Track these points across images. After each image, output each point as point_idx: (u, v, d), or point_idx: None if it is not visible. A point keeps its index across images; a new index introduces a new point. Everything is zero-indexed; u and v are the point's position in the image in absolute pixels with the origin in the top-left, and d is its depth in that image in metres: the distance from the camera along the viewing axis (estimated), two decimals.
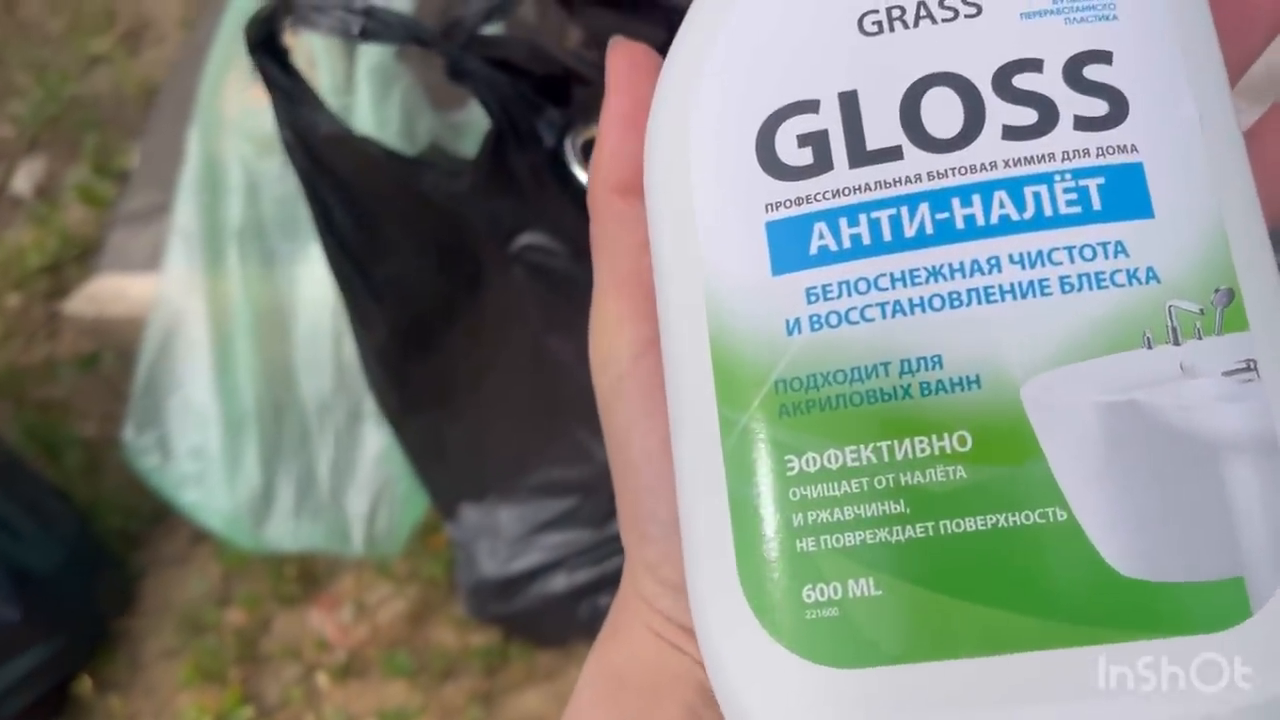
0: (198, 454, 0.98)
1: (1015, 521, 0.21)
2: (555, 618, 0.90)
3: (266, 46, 0.63)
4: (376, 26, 0.59)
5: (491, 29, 0.64)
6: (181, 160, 1.13)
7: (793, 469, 0.23)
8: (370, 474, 0.97)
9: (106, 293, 1.10)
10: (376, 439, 0.96)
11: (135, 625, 1.07)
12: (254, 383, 0.94)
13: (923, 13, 0.24)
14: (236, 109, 0.96)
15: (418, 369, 0.80)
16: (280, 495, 0.97)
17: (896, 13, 0.24)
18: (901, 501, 0.22)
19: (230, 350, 0.95)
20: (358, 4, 0.60)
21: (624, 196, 0.26)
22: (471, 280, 0.74)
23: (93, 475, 1.15)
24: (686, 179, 0.24)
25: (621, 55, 0.26)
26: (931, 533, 0.22)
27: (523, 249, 0.70)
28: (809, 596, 0.22)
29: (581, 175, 0.63)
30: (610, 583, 0.86)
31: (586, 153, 0.64)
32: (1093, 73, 0.23)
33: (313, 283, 0.94)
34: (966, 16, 0.24)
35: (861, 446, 0.22)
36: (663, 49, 0.27)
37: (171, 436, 1.00)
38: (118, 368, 1.20)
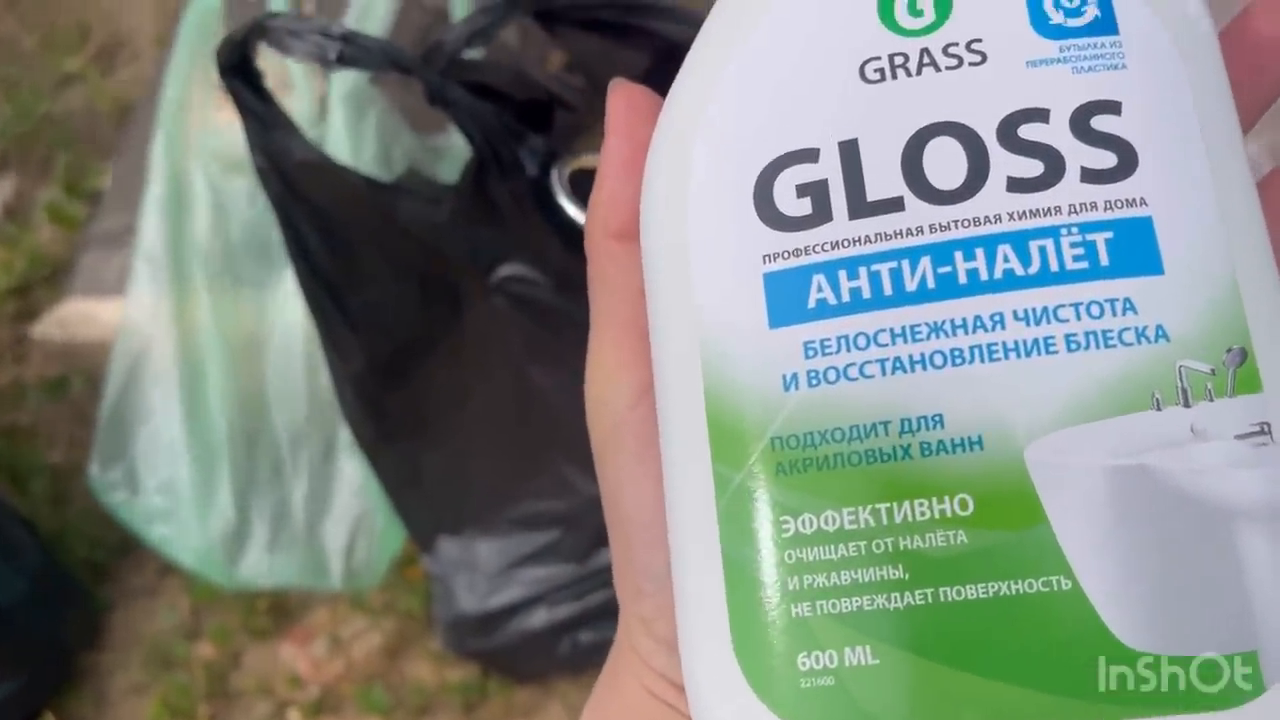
0: (167, 488, 0.96)
1: (1018, 590, 0.21)
2: (535, 653, 0.89)
3: (239, 70, 0.62)
4: (355, 52, 0.59)
5: (472, 54, 0.63)
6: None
7: (789, 530, 0.22)
8: (347, 506, 0.96)
9: (76, 316, 1.08)
10: (353, 469, 0.95)
11: (102, 660, 1.05)
12: (225, 413, 0.93)
13: (926, 60, 0.23)
14: (201, 127, 0.95)
15: (395, 398, 0.79)
16: (254, 530, 0.95)
17: (899, 60, 0.23)
18: (900, 566, 0.21)
19: (200, 380, 0.93)
20: (335, 29, 0.59)
21: (621, 241, 0.26)
22: (451, 308, 0.73)
23: (59, 504, 1.13)
24: (683, 227, 0.24)
25: (621, 97, 0.26)
26: (931, 600, 0.21)
27: (504, 279, 0.69)
28: (804, 664, 0.21)
29: (569, 207, 0.63)
30: (591, 618, 0.85)
31: (575, 183, 0.63)
32: (1101, 123, 0.22)
33: (284, 309, 0.92)
34: (971, 65, 0.23)
35: (860, 508, 0.22)
36: (646, 74, 0.26)
37: (140, 470, 0.98)
38: (87, 393, 1.18)
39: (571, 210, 0.63)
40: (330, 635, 1.02)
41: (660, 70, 0.24)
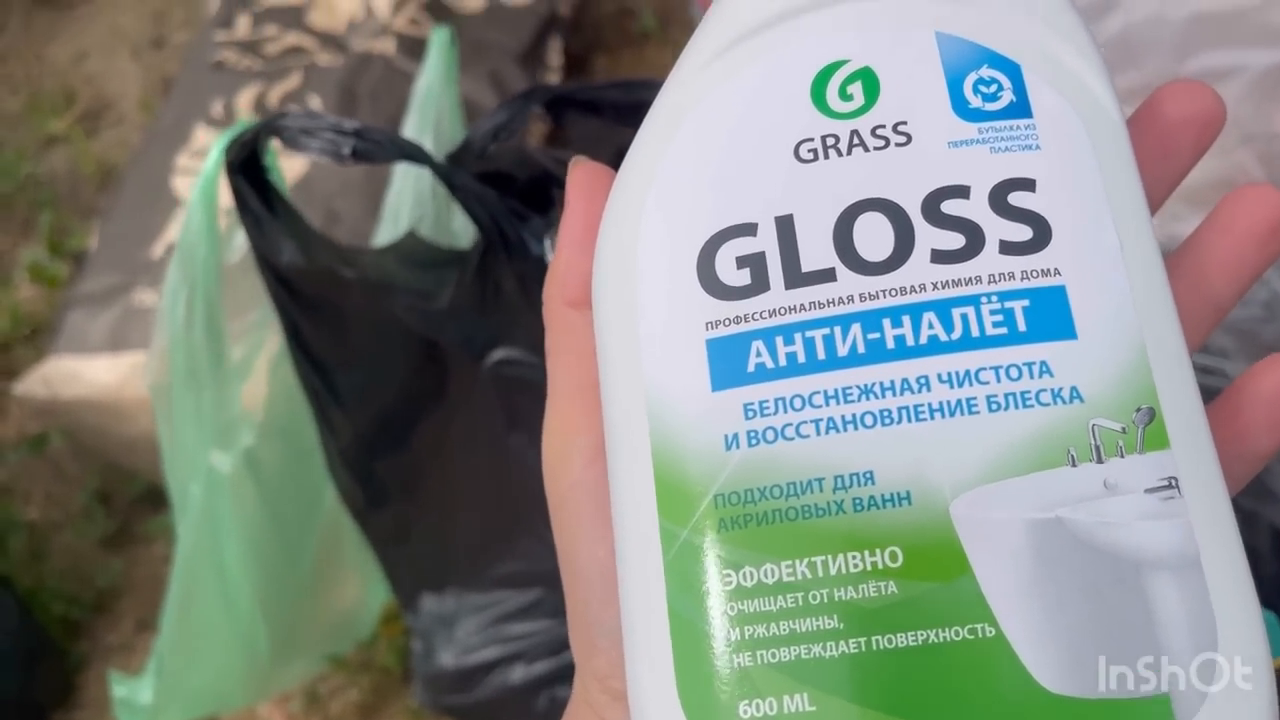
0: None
1: (945, 637, 0.22)
2: (512, 709, 0.89)
3: (244, 168, 0.63)
4: (367, 146, 0.60)
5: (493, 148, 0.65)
6: (142, 242, 1.12)
7: (730, 583, 0.23)
8: (348, 573, 0.93)
9: (60, 374, 1.09)
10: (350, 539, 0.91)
11: (76, 718, 1.04)
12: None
13: (855, 141, 0.25)
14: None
15: (382, 465, 0.80)
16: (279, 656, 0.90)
17: (831, 141, 0.25)
18: (835, 617, 0.22)
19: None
20: (347, 125, 0.60)
21: (577, 308, 0.27)
22: (439, 379, 0.74)
23: (36, 561, 1.13)
24: (632, 296, 0.25)
25: (580, 173, 0.27)
26: (864, 648, 0.22)
27: (497, 363, 0.70)
28: (745, 712, 0.22)
29: None
30: (569, 674, 0.85)
31: None
32: (1017, 199, 0.24)
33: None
34: (897, 145, 0.24)
35: (797, 561, 0.23)
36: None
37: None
38: (66, 450, 1.18)
39: None
40: (308, 692, 1.02)
41: None
